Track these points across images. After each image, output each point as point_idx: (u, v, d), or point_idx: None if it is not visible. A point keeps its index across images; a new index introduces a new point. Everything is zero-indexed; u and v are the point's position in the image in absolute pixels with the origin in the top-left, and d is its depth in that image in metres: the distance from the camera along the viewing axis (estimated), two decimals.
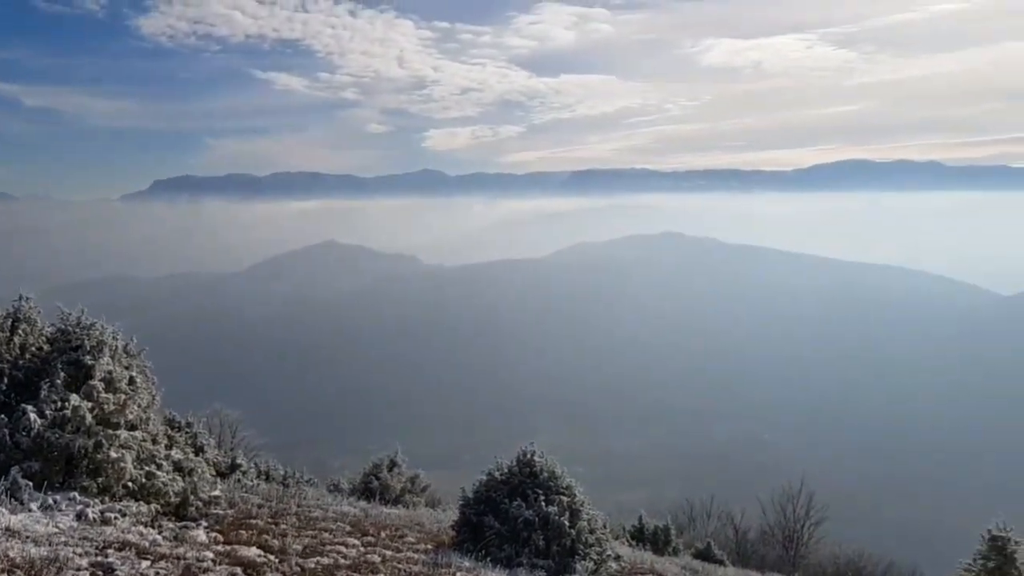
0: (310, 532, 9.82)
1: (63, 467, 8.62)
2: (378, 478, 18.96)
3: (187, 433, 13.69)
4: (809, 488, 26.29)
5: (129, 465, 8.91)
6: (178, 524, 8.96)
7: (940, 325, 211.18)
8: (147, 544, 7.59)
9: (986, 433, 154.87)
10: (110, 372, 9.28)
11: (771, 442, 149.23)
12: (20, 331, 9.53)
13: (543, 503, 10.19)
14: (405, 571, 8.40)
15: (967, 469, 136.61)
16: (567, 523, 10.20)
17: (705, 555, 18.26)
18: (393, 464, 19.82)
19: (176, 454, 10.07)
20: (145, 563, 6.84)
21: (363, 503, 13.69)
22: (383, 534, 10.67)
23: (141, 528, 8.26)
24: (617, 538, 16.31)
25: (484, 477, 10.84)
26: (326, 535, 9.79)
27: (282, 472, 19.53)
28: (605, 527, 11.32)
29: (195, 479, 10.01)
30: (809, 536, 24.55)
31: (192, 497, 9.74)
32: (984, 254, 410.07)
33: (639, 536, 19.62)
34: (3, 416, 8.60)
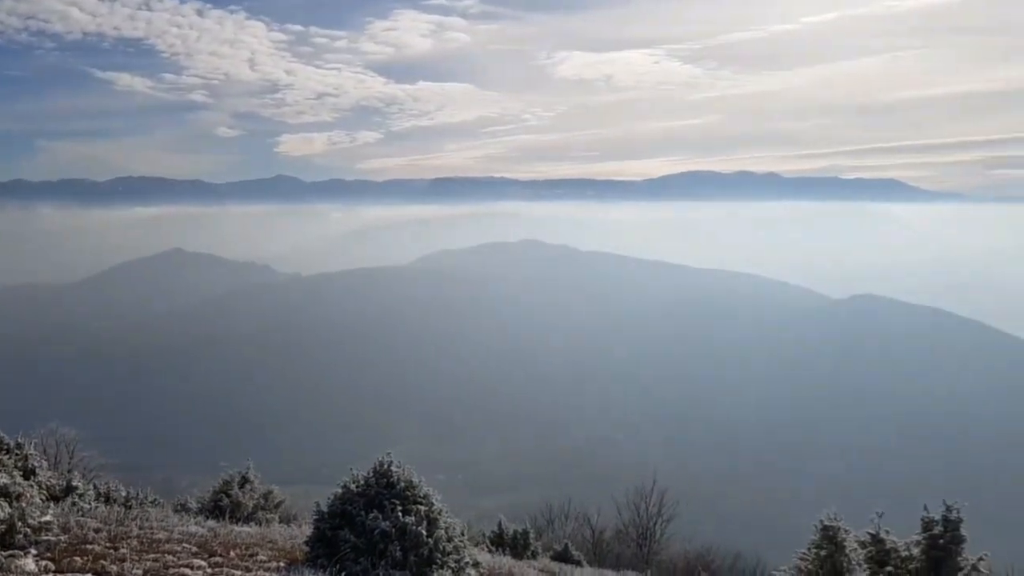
0: (152, 555, 9.29)
1: None
2: (228, 496, 18.18)
3: (16, 456, 12.73)
4: (661, 486, 27.17)
5: None
6: (3, 553, 8.30)
7: (779, 327, 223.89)
8: None
9: (820, 427, 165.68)
10: None
11: (625, 442, 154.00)
12: None
13: (400, 514, 10.06)
14: None
15: (805, 462, 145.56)
16: (424, 532, 10.12)
17: (563, 557, 18.54)
18: (245, 480, 19.06)
19: (2, 479, 9.33)
20: None
21: (212, 523, 13.09)
22: (232, 554, 10.24)
23: None
24: (477, 545, 16.34)
25: (340, 490, 10.60)
26: (170, 558, 9.29)
27: (124, 493, 18.45)
28: (463, 535, 11.29)
29: (23, 504, 9.29)
30: (661, 533, 25.42)
31: (20, 524, 9.04)
32: (818, 260, 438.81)
33: (499, 541, 19.70)
34: None
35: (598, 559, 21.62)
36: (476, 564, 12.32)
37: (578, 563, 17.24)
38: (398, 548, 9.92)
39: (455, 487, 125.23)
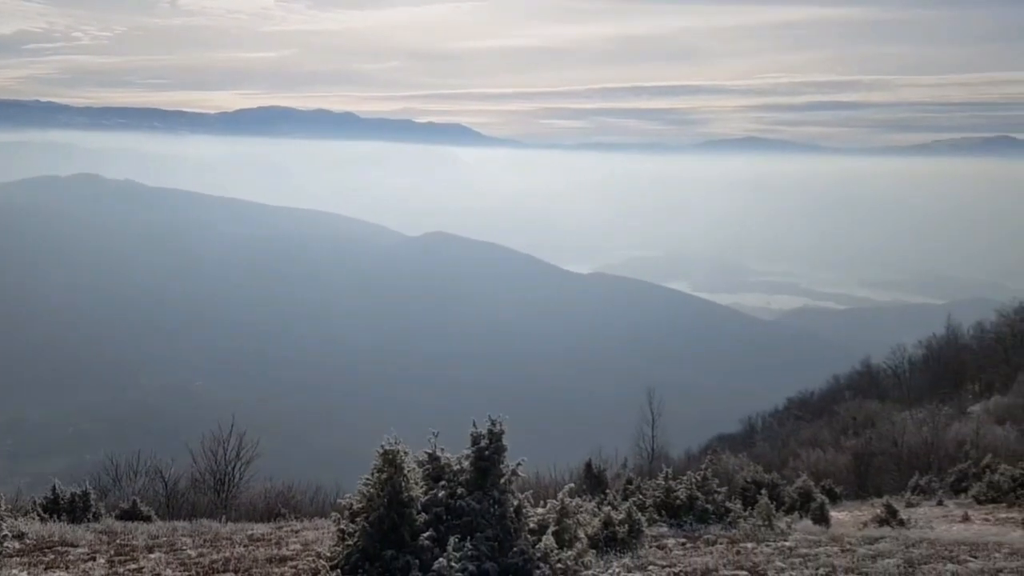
0: None
1: None
2: None
3: None
4: (240, 429, 26.54)
5: None
6: None
7: (358, 264, 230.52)
8: None
9: (401, 359, 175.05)
10: None
11: (204, 389, 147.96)
12: None
13: None
14: None
15: (388, 394, 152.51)
16: None
17: (130, 514, 17.30)
18: None
19: None
20: None
21: None
22: None
23: None
24: (26, 514, 14.55)
25: None
26: None
27: None
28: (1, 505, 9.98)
29: None
30: (240, 476, 24.95)
31: None
32: (393, 199, 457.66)
33: (53, 508, 17.72)
34: None
35: (171, 511, 20.60)
36: (21, 535, 11.00)
37: (147, 518, 16.23)
38: None
39: (4, 452, 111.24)
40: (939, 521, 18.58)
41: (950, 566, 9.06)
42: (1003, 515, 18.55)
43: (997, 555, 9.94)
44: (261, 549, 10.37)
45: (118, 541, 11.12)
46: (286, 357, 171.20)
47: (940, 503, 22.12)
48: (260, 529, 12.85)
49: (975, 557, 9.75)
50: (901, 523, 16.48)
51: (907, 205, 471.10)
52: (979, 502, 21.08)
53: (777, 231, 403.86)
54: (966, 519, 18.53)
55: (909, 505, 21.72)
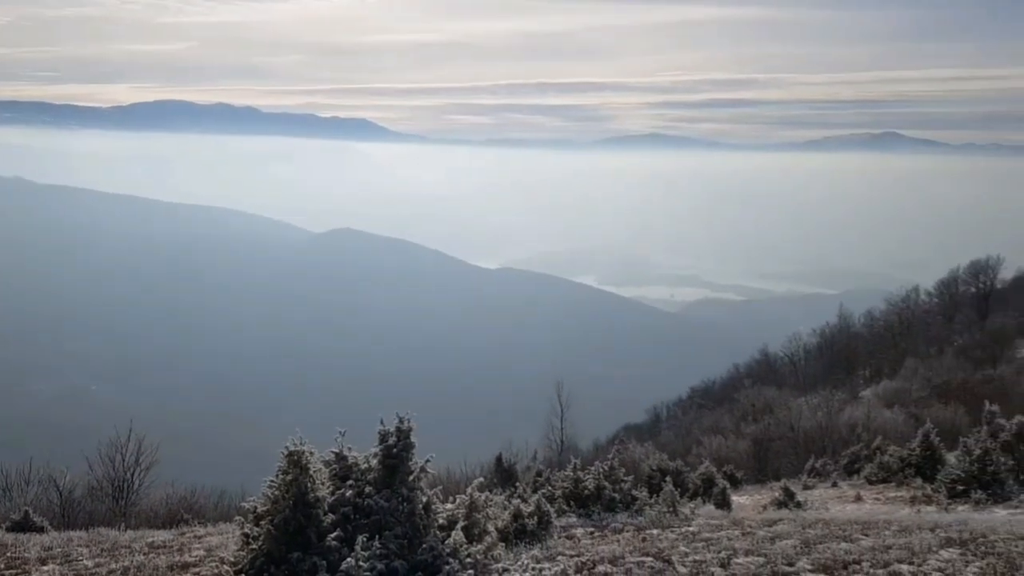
0: None
1: None
2: None
3: None
4: (139, 433, 25.60)
5: None
6: None
7: (263, 262, 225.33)
8: None
9: (312, 357, 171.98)
10: None
11: (100, 393, 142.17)
12: None
13: None
14: None
15: (296, 391, 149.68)
16: None
17: (22, 526, 16.53)
18: None
19: None
20: None
21: None
22: None
23: None
24: None
25: None
26: None
27: None
28: None
29: None
30: (140, 482, 24.07)
31: None
32: (298, 195, 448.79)
33: None
34: None
35: (67, 521, 19.76)
36: None
37: (40, 529, 15.54)
38: None
39: None
40: (834, 502, 19.40)
41: (844, 545, 9.49)
42: (892, 494, 19.48)
43: (887, 532, 10.48)
44: (162, 557, 10.07)
45: (8, 554, 10.62)
46: (186, 359, 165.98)
47: (835, 484, 23.06)
48: (161, 536, 12.45)
49: (867, 535, 10.25)
50: (798, 505, 17.17)
51: (801, 199, 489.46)
52: (870, 482, 22.07)
53: (679, 225, 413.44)
54: (858, 499, 19.39)
55: (806, 487, 22.59)
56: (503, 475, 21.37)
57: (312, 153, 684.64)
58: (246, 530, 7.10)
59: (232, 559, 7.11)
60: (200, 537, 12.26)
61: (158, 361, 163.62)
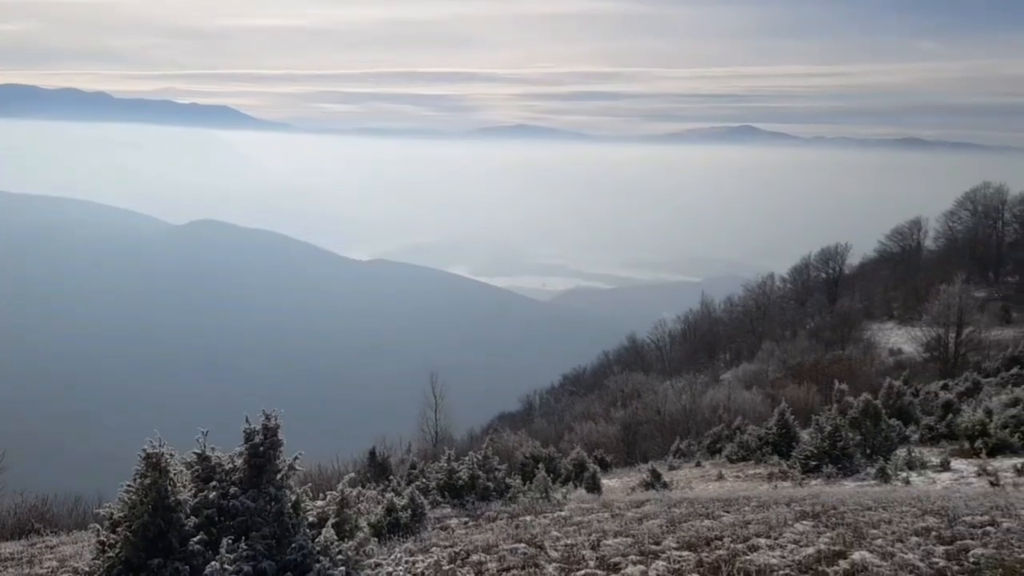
0: None
1: None
2: None
3: None
4: None
5: None
6: None
7: (119, 256, 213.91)
8: None
9: (170, 355, 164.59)
10: None
11: None
12: None
13: None
14: None
15: (158, 392, 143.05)
16: None
17: None
18: None
19: None
20: None
21: None
22: None
23: None
24: None
25: None
26: None
27: None
28: None
29: None
30: None
31: None
32: (154, 185, 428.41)
33: None
34: None
35: None
36: None
37: None
38: None
39: None
40: (698, 481, 20.21)
41: (707, 522, 9.90)
42: (751, 471, 20.47)
43: (747, 508, 11.00)
44: (11, 569, 9.50)
45: None
46: (34, 360, 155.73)
47: (698, 464, 24.03)
48: (9, 548, 11.73)
49: (728, 512, 10.72)
50: (665, 485, 17.78)
51: (664, 190, 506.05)
52: (731, 461, 23.13)
53: (549, 216, 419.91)
54: (720, 477, 20.28)
55: (671, 468, 23.45)
56: (377, 469, 21.14)
57: (170, 141, 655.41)
58: (102, 537, 6.74)
59: (87, 568, 6.74)
60: (53, 547, 11.70)
61: (1, 364, 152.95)
